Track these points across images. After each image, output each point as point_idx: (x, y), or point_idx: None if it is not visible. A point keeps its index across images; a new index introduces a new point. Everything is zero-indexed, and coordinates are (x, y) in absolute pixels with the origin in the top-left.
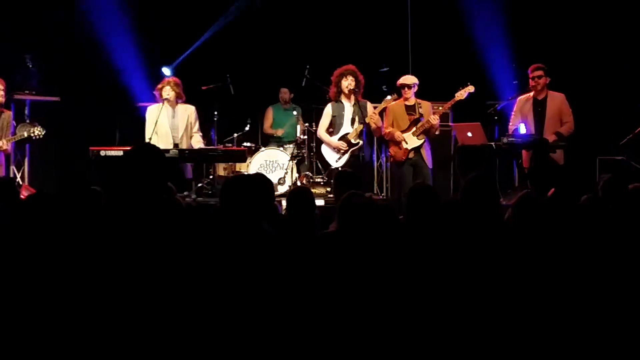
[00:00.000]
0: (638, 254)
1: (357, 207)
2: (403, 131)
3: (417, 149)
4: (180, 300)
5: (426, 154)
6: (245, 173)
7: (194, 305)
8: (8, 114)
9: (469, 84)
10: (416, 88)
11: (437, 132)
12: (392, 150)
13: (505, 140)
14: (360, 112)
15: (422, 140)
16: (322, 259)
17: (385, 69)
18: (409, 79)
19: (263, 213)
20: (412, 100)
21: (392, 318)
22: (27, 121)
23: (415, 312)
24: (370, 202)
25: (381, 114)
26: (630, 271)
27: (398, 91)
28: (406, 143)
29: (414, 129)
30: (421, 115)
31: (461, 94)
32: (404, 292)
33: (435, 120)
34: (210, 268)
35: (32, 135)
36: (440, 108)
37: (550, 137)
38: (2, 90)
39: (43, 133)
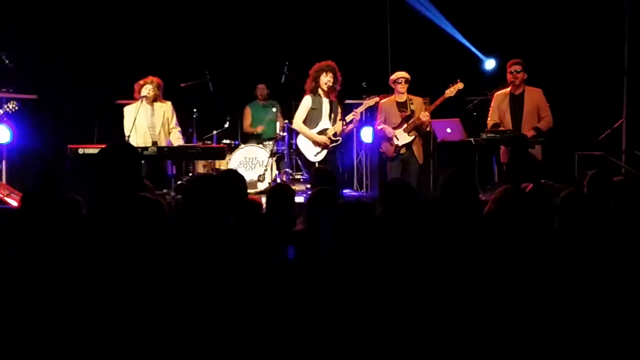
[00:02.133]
0: (629, 245)
1: (324, 205)
2: (395, 127)
3: (408, 145)
4: (154, 298)
5: (417, 149)
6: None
7: (169, 302)
8: None
9: (458, 80)
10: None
11: (428, 129)
12: (384, 146)
13: (484, 136)
14: (333, 112)
15: (413, 137)
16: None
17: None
18: (399, 74)
19: (228, 206)
20: (403, 97)
21: (365, 315)
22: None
23: (392, 309)
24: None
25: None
26: (620, 264)
27: (390, 89)
28: (397, 139)
29: (405, 125)
30: (412, 111)
31: (451, 91)
32: (377, 289)
33: (425, 117)
34: (179, 265)
35: (7, 110)
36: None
37: (529, 133)
38: None
39: (17, 105)
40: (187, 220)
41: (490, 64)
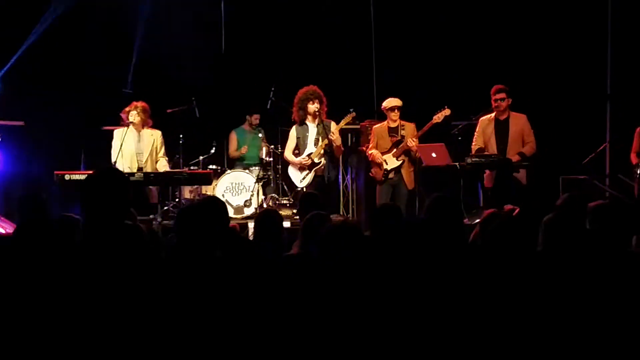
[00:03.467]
0: (601, 272)
1: (319, 228)
2: (384, 152)
3: (397, 170)
4: (141, 331)
5: (406, 174)
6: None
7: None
8: None
9: (445, 107)
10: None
11: (417, 154)
12: (373, 170)
13: (469, 160)
14: (325, 132)
15: (402, 162)
16: (285, 282)
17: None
18: (395, 101)
19: (216, 241)
20: (396, 123)
21: (357, 339)
22: None
23: (381, 332)
24: (333, 223)
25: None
26: (595, 289)
27: (378, 115)
28: (386, 164)
29: (395, 150)
30: (402, 136)
31: (438, 117)
32: (367, 312)
33: (412, 143)
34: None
35: None
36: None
37: (514, 158)
38: None
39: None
40: (177, 252)
41: None
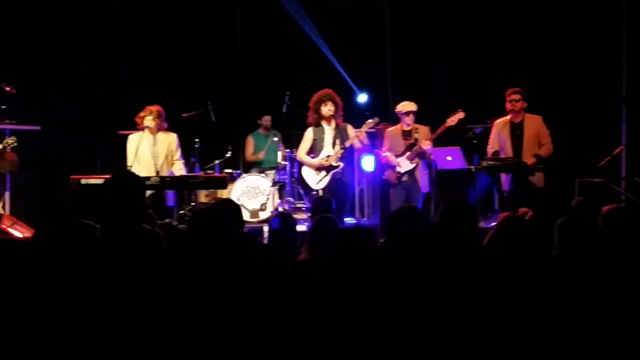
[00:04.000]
0: (614, 276)
1: (327, 232)
2: (398, 155)
3: (410, 173)
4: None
5: (421, 177)
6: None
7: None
8: None
9: (459, 110)
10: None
11: (431, 157)
12: (387, 173)
13: (484, 163)
14: (341, 135)
15: (415, 164)
16: (295, 287)
17: (364, 99)
18: (410, 106)
19: (227, 243)
20: (409, 126)
21: (367, 345)
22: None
23: (391, 337)
24: (338, 227)
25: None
26: (609, 290)
27: (393, 119)
28: (400, 167)
29: (408, 153)
30: (416, 139)
31: (452, 120)
32: (378, 318)
33: (426, 146)
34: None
35: (6, 144)
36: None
37: (529, 160)
38: None
39: (15, 141)
40: (190, 255)
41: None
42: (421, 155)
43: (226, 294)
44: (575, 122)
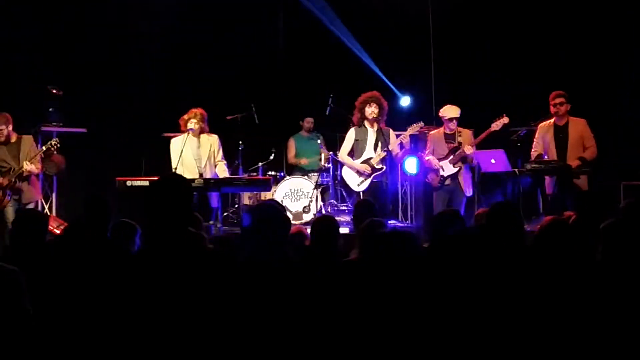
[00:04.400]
0: None
1: (377, 234)
2: (441, 159)
3: (453, 176)
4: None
5: (464, 181)
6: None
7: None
8: (28, 138)
9: (504, 115)
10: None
11: (474, 162)
12: (429, 176)
13: (529, 166)
14: (384, 138)
15: (459, 168)
16: (343, 287)
17: (407, 102)
18: (454, 112)
19: (284, 239)
20: (453, 130)
21: (412, 346)
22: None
23: (437, 340)
24: (391, 229)
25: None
26: None
27: (437, 122)
28: (442, 170)
29: (452, 157)
30: (460, 143)
31: (496, 125)
32: (425, 320)
33: (469, 150)
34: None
35: (50, 146)
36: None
37: (574, 163)
38: (4, 124)
39: (58, 143)
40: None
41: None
42: (464, 159)
43: (269, 295)
44: (620, 124)
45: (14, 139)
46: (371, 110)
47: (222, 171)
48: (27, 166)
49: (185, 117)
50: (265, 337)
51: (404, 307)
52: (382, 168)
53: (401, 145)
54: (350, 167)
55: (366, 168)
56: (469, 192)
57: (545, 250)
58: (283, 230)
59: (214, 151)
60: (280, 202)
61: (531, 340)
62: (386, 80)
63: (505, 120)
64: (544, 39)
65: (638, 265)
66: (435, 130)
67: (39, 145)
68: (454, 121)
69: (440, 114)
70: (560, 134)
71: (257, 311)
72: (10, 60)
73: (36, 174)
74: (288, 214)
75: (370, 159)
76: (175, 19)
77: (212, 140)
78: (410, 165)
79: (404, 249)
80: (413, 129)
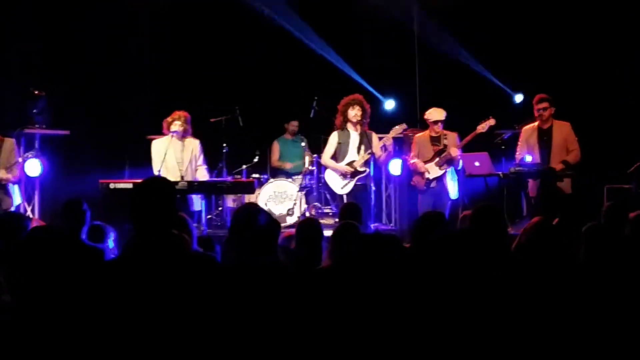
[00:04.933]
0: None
1: (348, 238)
2: (427, 161)
3: (439, 179)
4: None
5: (449, 184)
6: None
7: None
8: (10, 142)
9: (490, 117)
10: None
11: (459, 164)
12: (415, 178)
13: (512, 169)
14: (367, 141)
15: (444, 171)
16: (318, 296)
17: (392, 105)
18: (439, 114)
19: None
20: (438, 132)
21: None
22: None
23: (417, 345)
24: (360, 234)
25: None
26: (633, 299)
27: (421, 124)
28: (428, 173)
29: (437, 159)
30: (445, 146)
31: (482, 127)
32: (405, 325)
33: (455, 152)
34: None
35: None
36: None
37: (557, 166)
38: None
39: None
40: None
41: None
42: (450, 162)
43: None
44: (604, 128)
45: None
46: (354, 113)
47: (203, 176)
48: (2, 174)
49: (169, 119)
50: (251, 342)
51: (381, 312)
52: (365, 171)
53: (384, 147)
54: (334, 170)
55: (348, 169)
56: (454, 195)
57: (529, 252)
58: (273, 233)
59: (195, 155)
60: (265, 205)
61: (516, 343)
62: (366, 85)
63: (492, 122)
64: (529, 40)
65: (619, 267)
66: (421, 133)
67: (21, 148)
68: (439, 124)
69: (425, 117)
70: (544, 137)
71: (243, 316)
72: None
73: (13, 182)
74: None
75: (353, 161)
76: (160, 22)
77: (194, 145)
78: (395, 167)
79: (379, 252)
80: (395, 131)
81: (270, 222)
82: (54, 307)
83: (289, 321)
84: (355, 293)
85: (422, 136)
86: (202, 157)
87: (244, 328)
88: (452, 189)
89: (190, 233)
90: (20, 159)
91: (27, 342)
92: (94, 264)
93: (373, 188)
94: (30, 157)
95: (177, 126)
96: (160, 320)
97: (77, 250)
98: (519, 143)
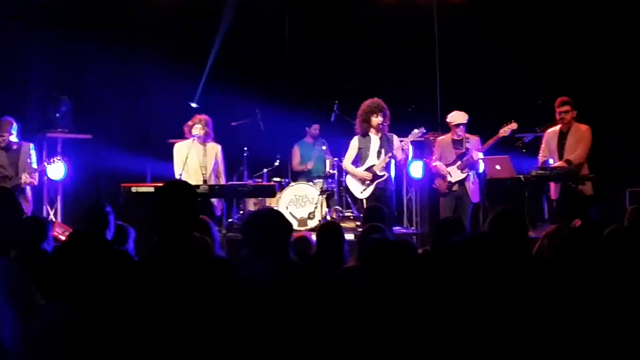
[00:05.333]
0: None
1: (374, 241)
2: (448, 165)
3: (461, 182)
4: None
5: (471, 187)
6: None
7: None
8: (27, 147)
9: (512, 120)
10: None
11: (481, 167)
12: (437, 181)
13: (534, 172)
14: (387, 144)
15: (466, 174)
16: (341, 295)
17: (412, 108)
18: (461, 117)
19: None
20: (460, 136)
21: (410, 353)
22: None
23: (435, 348)
24: (387, 237)
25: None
26: None
27: (442, 128)
28: (450, 176)
29: (459, 162)
30: (467, 149)
31: (505, 131)
32: (423, 328)
33: (477, 156)
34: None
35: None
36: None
37: (561, 165)
38: (6, 132)
39: (59, 159)
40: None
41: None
42: (472, 165)
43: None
44: (626, 130)
45: (15, 145)
46: (378, 119)
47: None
48: (26, 179)
49: (190, 123)
50: (268, 342)
51: (401, 314)
52: (383, 175)
53: (403, 151)
54: (353, 176)
55: (367, 176)
56: (475, 199)
57: (551, 257)
58: (284, 235)
59: (218, 161)
60: (286, 209)
61: (532, 348)
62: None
63: (514, 125)
64: (552, 44)
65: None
66: (443, 137)
67: (43, 153)
68: (461, 127)
69: (447, 120)
70: (563, 140)
71: (260, 317)
72: (17, 66)
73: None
74: (293, 220)
75: (373, 166)
76: (181, 21)
77: (217, 150)
78: (416, 170)
79: (398, 256)
80: (414, 135)
81: (280, 223)
82: (87, 309)
83: (302, 320)
84: (377, 293)
85: (444, 139)
86: (223, 164)
87: (259, 328)
88: (474, 192)
89: (212, 237)
90: (36, 166)
91: (62, 343)
92: (121, 268)
93: (393, 190)
94: (54, 162)
95: (198, 130)
96: (179, 323)
97: (107, 254)
98: (542, 146)
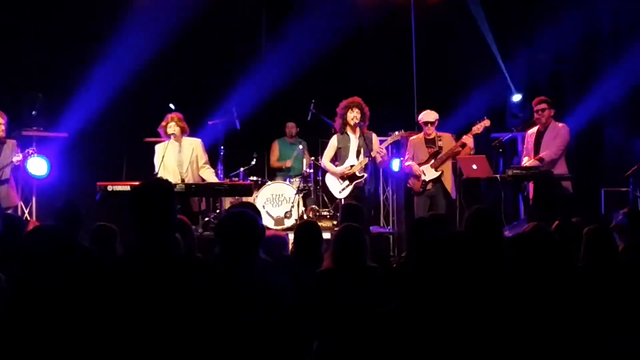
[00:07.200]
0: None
1: (350, 241)
2: (421, 164)
3: (435, 181)
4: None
5: (450, 183)
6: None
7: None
8: (10, 143)
9: (485, 118)
10: (436, 123)
11: (472, 150)
12: (411, 181)
13: (510, 172)
14: (366, 144)
15: (440, 172)
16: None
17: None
18: (429, 116)
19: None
20: (432, 135)
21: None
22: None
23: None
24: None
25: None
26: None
27: (418, 127)
28: (424, 175)
29: (433, 161)
30: (440, 147)
31: (477, 128)
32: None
33: (468, 140)
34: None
35: (27, 154)
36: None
37: (533, 163)
38: (2, 124)
39: (35, 151)
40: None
41: (517, 97)
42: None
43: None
44: (603, 130)
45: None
46: (353, 116)
47: (210, 174)
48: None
49: (163, 123)
50: (240, 342)
51: (380, 313)
52: (363, 176)
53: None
54: (332, 174)
55: (348, 170)
56: (454, 195)
57: (526, 256)
58: (255, 235)
59: (197, 155)
60: (262, 208)
61: (507, 344)
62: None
63: (487, 123)
64: (525, 44)
65: (620, 269)
66: (415, 136)
67: (17, 149)
68: (429, 125)
69: (418, 119)
70: (540, 139)
71: (231, 316)
72: None
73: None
74: (270, 219)
75: (352, 166)
76: (157, 23)
77: (194, 144)
78: (395, 163)
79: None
80: (394, 137)
81: (252, 223)
82: (50, 305)
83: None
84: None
85: (416, 139)
86: (205, 156)
87: (235, 327)
88: (452, 188)
89: (190, 237)
90: (14, 159)
91: (22, 340)
92: (91, 267)
93: (371, 191)
94: (32, 155)
95: (172, 128)
96: (155, 324)
97: (74, 252)
98: (524, 147)
